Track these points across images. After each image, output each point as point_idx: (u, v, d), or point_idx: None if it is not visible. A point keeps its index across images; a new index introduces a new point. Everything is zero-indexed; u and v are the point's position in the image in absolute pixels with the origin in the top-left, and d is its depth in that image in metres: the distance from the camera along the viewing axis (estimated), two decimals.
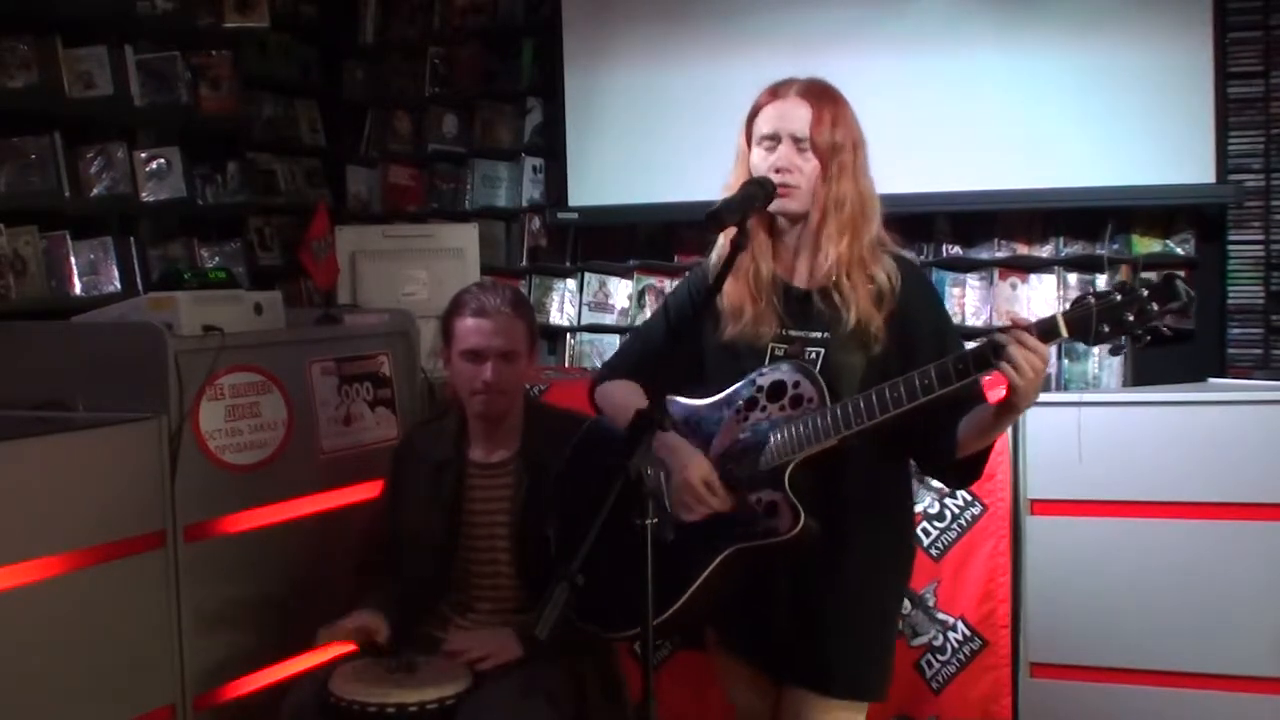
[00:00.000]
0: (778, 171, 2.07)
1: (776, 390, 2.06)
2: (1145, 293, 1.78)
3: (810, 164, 2.07)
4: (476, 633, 2.59)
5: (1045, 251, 4.21)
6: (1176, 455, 2.99)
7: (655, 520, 1.78)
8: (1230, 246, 3.95)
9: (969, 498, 3.08)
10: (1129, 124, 3.92)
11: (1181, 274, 1.81)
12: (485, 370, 2.59)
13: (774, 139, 2.09)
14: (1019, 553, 3.10)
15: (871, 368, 2.05)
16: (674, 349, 2.23)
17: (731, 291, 2.14)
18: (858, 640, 2.15)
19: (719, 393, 2.16)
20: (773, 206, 2.10)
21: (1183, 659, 2.98)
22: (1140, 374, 3.98)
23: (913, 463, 2.21)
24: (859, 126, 2.13)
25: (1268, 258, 3.91)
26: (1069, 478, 3.06)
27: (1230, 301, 3.95)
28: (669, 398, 2.22)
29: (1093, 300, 1.81)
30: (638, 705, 1.82)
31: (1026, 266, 4.18)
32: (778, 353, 2.12)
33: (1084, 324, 1.81)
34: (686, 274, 2.38)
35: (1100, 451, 3.02)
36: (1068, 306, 1.85)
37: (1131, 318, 1.79)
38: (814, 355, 2.08)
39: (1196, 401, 3.04)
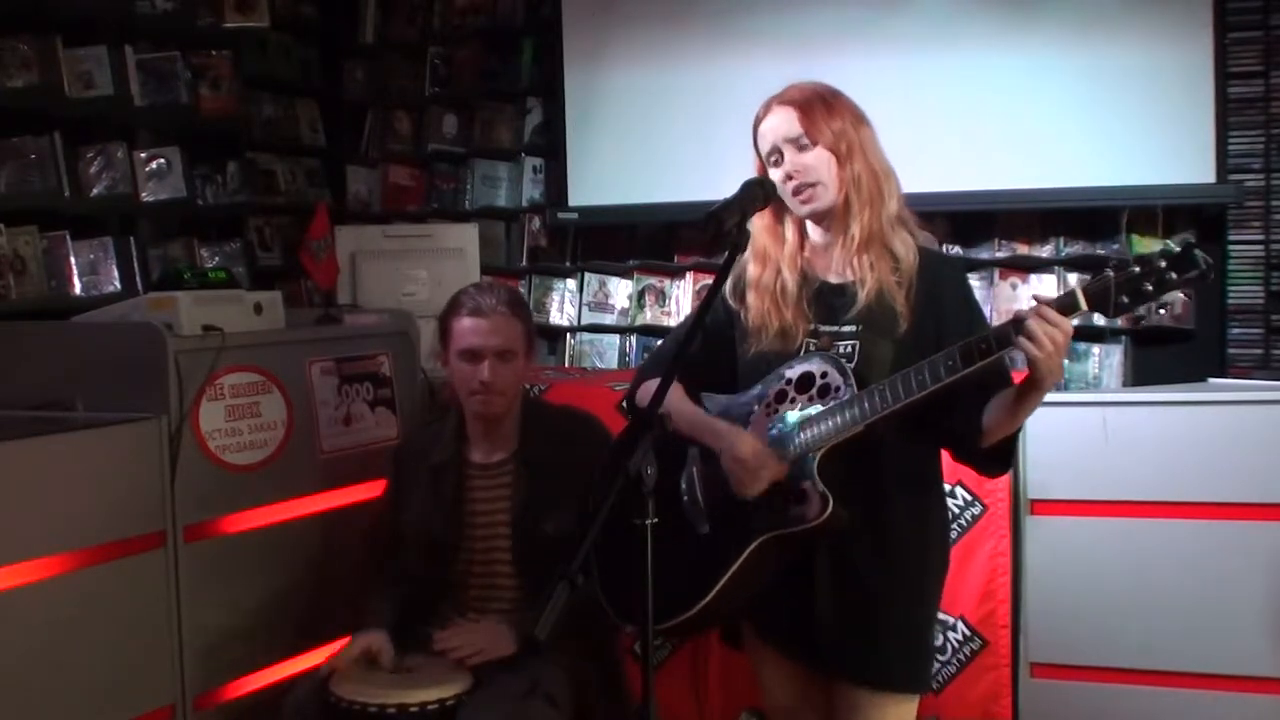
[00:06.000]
0: (789, 179, 2.10)
1: (805, 381, 2.09)
2: (1163, 263, 1.79)
3: (819, 157, 2.09)
4: (468, 627, 2.59)
5: (1045, 251, 4.21)
6: (1176, 455, 2.99)
7: (655, 520, 1.78)
8: (1230, 246, 3.95)
9: (969, 497, 3.08)
10: (1129, 124, 3.93)
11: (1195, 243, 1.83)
12: (482, 370, 2.60)
13: (776, 152, 2.13)
14: (1019, 553, 3.10)
15: (902, 353, 2.05)
16: (706, 352, 2.23)
17: (756, 309, 2.16)
18: (904, 629, 2.14)
19: (751, 389, 2.18)
20: (803, 211, 2.13)
21: (1183, 659, 2.98)
22: (1140, 374, 3.98)
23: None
24: (856, 108, 2.14)
25: (1268, 258, 3.92)
26: (1069, 478, 3.06)
27: (1230, 301, 3.95)
28: (703, 394, 2.25)
29: (1111, 273, 1.82)
30: (638, 705, 1.82)
31: (1026, 266, 4.18)
32: (810, 349, 2.13)
33: (1103, 296, 1.82)
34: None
35: (1100, 451, 3.02)
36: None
37: (1150, 287, 1.80)
38: (848, 349, 2.10)
39: (1196, 401, 3.04)
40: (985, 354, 1.89)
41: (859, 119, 2.13)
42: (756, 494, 2.07)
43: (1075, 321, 1.87)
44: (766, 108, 2.15)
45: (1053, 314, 1.84)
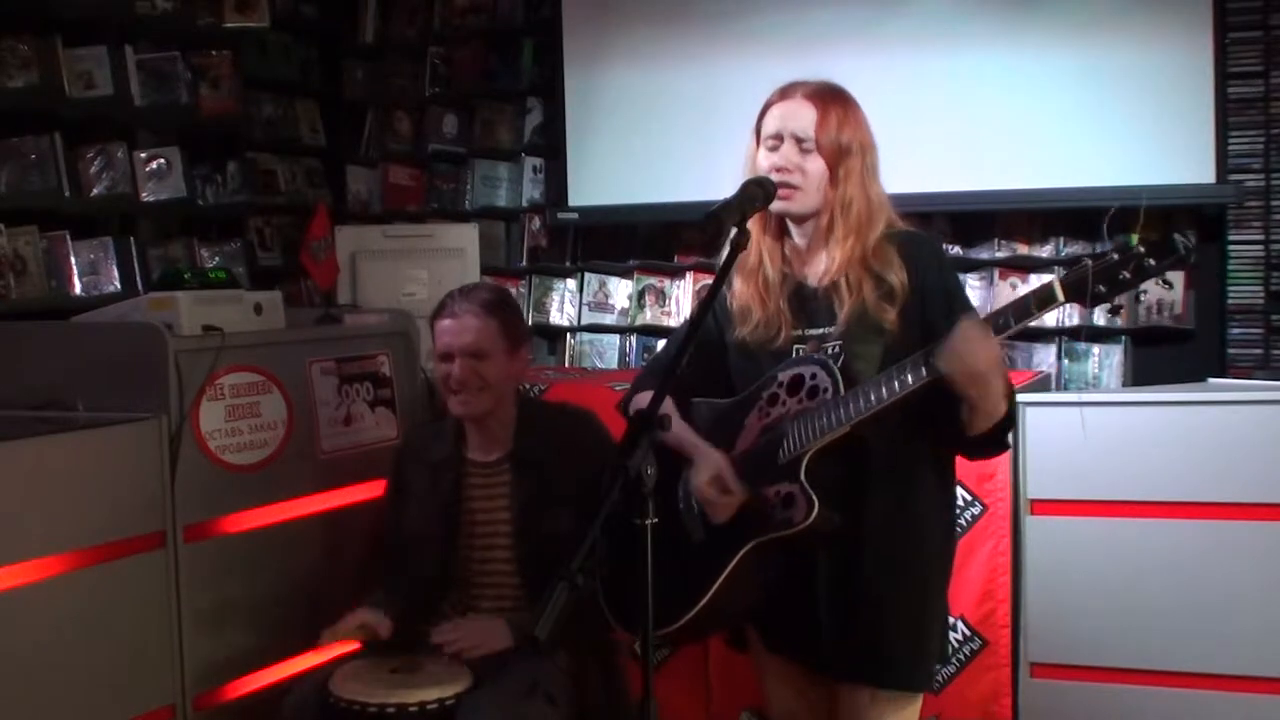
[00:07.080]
0: (778, 171, 2.08)
1: (795, 384, 2.07)
2: (1142, 249, 1.77)
3: (814, 165, 2.07)
4: (465, 622, 2.60)
5: (1045, 251, 4.21)
6: (1176, 455, 2.99)
7: (655, 520, 1.78)
8: (1230, 246, 3.95)
9: (969, 498, 3.08)
10: (1129, 124, 3.92)
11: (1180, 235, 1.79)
12: (453, 369, 2.63)
13: (778, 138, 2.10)
14: (1019, 553, 3.10)
15: (890, 353, 2.04)
16: (700, 360, 2.21)
17: (741, 293, 2.16)
18: (903, 628, 2.13)
19: (743, 393, 2.17)
20: (775, 208, 2.10)
21: (1183, 659, 2.98)
22: (1140, 374, 3.98)
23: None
24: (869, 130, 2.12)
25: (1268, 258, 3.91)
26: (1069, 478, 3.06)
27: (1230, 301, 3.95)
28: (696, 400, 2.24)
29: (1089, 262, 1.80)
30: (638, 705, 1.82)
31: (1026, 266, 4.17)
32: (799, 352, 2.12)
33: (1079, 286, 1.81)
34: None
35: (1100, 451, 3.02)
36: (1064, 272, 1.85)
37: (1128, 275, 1.78)
38: (834, 349, 2.09)
39: (1196, 401, 3.04)
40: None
41: (867, 143, 2.11)
42: (724, 520, 2.07)
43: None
44: (786, 93, 2.12)
45: (969, 329, 1.84)
